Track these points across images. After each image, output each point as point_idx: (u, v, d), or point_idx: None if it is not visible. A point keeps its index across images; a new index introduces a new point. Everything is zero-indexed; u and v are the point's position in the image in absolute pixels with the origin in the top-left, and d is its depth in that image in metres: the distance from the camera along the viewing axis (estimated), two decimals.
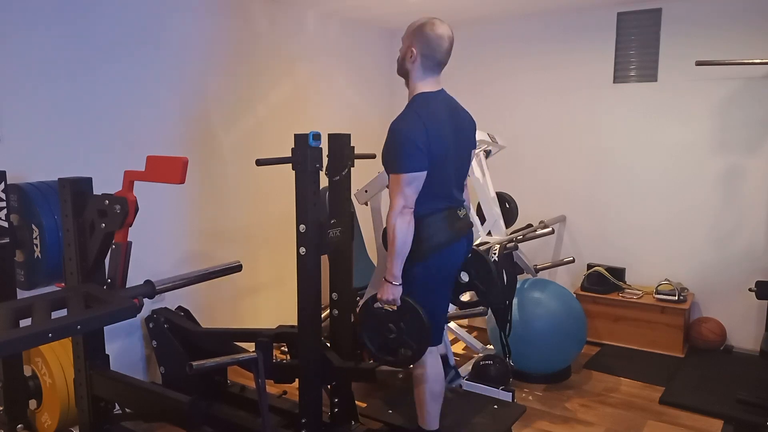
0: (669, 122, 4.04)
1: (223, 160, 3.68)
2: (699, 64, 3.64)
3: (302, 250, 2.38)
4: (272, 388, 2.93)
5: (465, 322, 4.39)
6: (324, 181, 2.53)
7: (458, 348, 4.00)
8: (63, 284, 2.34)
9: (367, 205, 3.37)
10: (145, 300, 2.17)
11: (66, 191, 2.21)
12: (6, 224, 2.39)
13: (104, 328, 2.39)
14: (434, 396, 2.40)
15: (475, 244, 3.31)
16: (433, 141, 2.18)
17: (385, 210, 3.34)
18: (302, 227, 2.36)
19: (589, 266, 4.25)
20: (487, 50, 4.58)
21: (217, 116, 3.62)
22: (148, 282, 2.26)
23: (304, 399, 2.50)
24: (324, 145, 2.44)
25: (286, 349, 2.95)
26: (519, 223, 4.07)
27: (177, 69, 3.35)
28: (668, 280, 4.00)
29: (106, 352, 2.43)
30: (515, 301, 3.29)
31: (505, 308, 3.17)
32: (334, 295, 2.72)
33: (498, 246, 3.14)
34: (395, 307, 2.23)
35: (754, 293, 3.26)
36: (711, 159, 3.94)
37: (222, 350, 2.76)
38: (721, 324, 3.95)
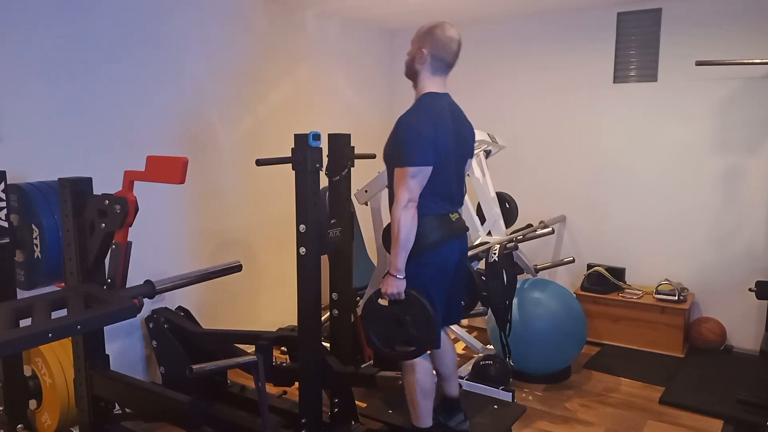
0: (669, 122, 4.04)
1: (223, 160, 3.68)
2: (699, 64, 3.64)
3: (302, 250, 2.38)
4: (272, 388, 2.94)
5: (465, 322, 4.39)
6: (324, 181, 2.53)
7: (458, 348, 4.00)
8: (63, 284, 2.34)
9: (367, 205, 3.37)
10: (145, 300, 2.17)
11: (66, 191, 2.21)
12: (6, 224, 2.39)
13: (104, 328, 2.39)
14: (425, 393, 2.39)
15: (475, 244, 3.33)
16: (439, 138, 2.22)
17: (385, 210, 3.35)
18: (302, 227, 2.36)
19: (589, 266, 4.25)
20: (487, 50, 4.58)
21: (217, 116, 3.62)
22: (148, 282, 2.26)
23: (304, 399, 2.50)
24: (324, 145, 2.44)
25: (286, 350, 2.96)
26: (519, 223, 4.07)
27: (177, 69, 3.35)
28: (668, 280, 4.00)
29: (106, 352, 2.43)
30: (515, 301, 3.29)
31: (505, 308, 3.17)
32: (334, 295, 2.72)
33: (498, 246, 3.14)
34: (403, 296, 2.22)
35: (754, 293, 3.26)
36: (711, 159, 3.94)
37: (222, 351, 2.76)
38: (721, 324, 3.95)
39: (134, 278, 2.34)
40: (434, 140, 2.19)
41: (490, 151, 3.84)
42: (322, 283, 2.55)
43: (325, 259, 2.59)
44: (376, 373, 2.53)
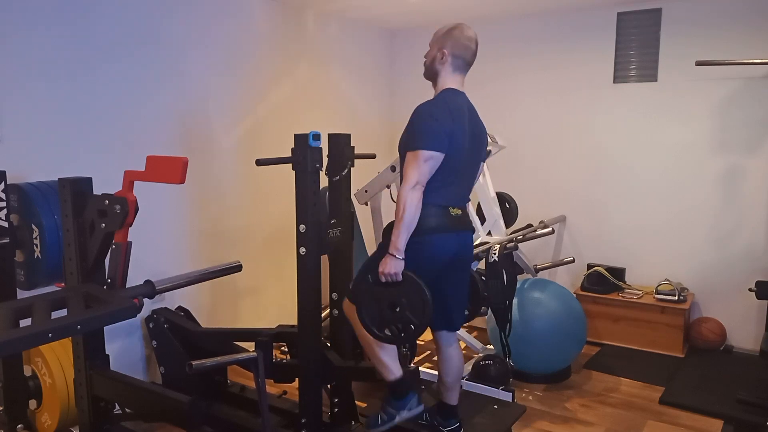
0: (669, 122, 4.04)
1: (223, 160, 3.68)
2: (699, 64, 3.64)
3: (302, 250, 2.38)
4: (272, 388, 2.94)
5: None
6: (324, 181, 2.53)
7: None
8: (63, 284, 2.34)
9: (367, 205, 3.37)
10: (145, 300, 2.17)
11: (66, 191, 2.21)
12: (6, 224, 2.39)
13: (104, 328, 2.39)
14: (383, 347, 2.36)
15: (475, 243, 3.32)
16: (456, 129, 2.25)
17: (385, 210, 3.35)
18: (302, 227, 2.36)
19: (589, 266, 4.25)
20: (487, 50, 4.55)
21: (217, 116, 3.62)
22: (148, 282, 2.26)
23: (304, 399, 2.50)
24: (324, 145, 2.44)
25: (286, 349, 2.96)
26: (519, 223, 4.07)
27: (177, 69, 3.35)
28: (668, 280, 4.00)
29: (106, 352, 2.43)
30: (515, 301, 3.29)
31: (505, 308, 3.17)
32: (334, 295, 2.72)
33: (498, 246, 3.14)
34: (400, 277, 2.20)
35: (754, 293, 3.25)
36: (711, 159, 3.94)
37: (222, 350, 2.76)
38: (721, 324, 3.95)
39: (134, 278, 2.34)
40: (450, 132, 2.22)
41: (490, 151, 3.83)
42: (322, 283, 2.55)
43: (325, 259, 2.59)
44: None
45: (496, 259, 3.07)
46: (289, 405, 2.80)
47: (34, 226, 2.39)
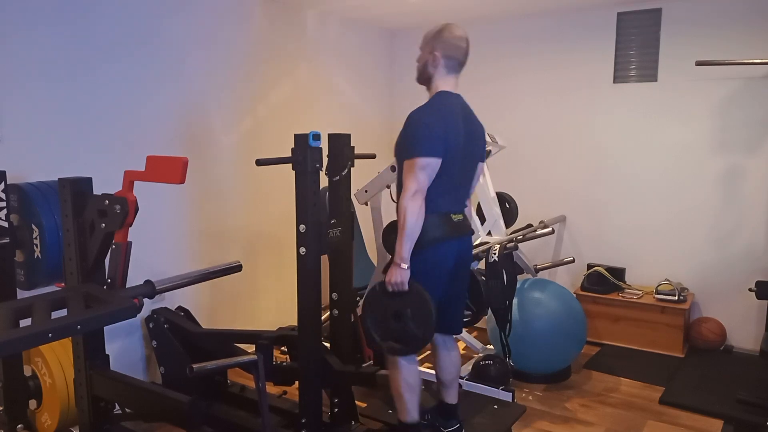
0: (669, 122, 4.04)
1: (223, 160, 3.68)
2: (699, 64, 3.64)
3: (302, 250, 2.38)
4: (272, 388, 2.94)
5: None
6: (324, 181, 2.53)
7: (458, 348, 4.00)
8: (63, 284, 2.34)
9: (367, 205, 3.37)
10: (145, 300, 2.17)
11: (66, 191, 2.21)
12: (6, 224, 2.39)
13: (104, 328, 2.39)
14: (410, 387, 2.37)
15: (475, 243, 3.32)
16: (450, 133, 2.24)
17: (385, 210, 3.35)
18: (302, 227, 2.36)
19: (589, 266, 4.25)
20: (487, 50, 4.58)
21: (217, 116, 3.62)
22: (148, 282, 2.26)
23: (304, 399, 2.50)
24: (324, 145, 2.44)
25: (286, 350, 2.96)
26: (519, 223, 4.07)
27: (177, 69, 3.35)
28: (668, 280, 4.00)
29: (106, 352, 2.43)
30: (515, 301, 3.29)
31: (505, 308, 3.17)
32: (334, 295, 2.72)
33: (498, 246, 3.14)
34: (406, 287, 2.21)
35: (754, 293, 3.26)
36: (711, 159, 3.94)
37: (222, 351, 2.77)
38: (721, 324, 3.95)
39: (134, 278, 2.34)
40: (444, 137, 2.21)
41: (490, 151, 3.84)
42: (322, 283, 2.55)
43: (325, 259, 2.59)
44: (377, 372, 2.54)
45: (496, 259, 3.07)
46: (289, 405, 2.79)
47: (34, 226, 2.39)
